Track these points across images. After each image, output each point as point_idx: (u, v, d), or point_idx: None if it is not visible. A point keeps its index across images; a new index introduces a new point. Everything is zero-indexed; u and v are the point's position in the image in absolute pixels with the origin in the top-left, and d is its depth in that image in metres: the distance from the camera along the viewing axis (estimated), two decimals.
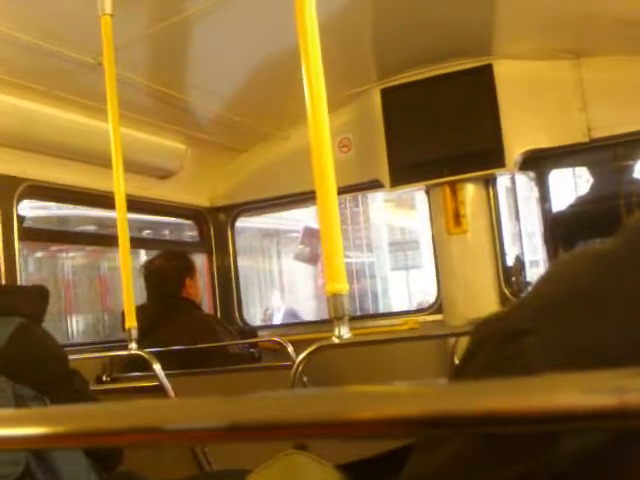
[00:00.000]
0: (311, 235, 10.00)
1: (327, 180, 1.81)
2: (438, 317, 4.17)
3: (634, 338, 0.55)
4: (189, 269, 3.90)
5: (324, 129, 1.83)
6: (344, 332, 1.83)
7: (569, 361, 0.56)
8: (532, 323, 0.61)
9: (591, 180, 4.28)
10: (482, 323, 0.67)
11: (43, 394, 1.97)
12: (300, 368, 2.03)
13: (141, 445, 0.52)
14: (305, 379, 2.15)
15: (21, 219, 3.31)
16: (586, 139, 3.80)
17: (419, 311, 4.50)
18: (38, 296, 2.30)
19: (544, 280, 0.69)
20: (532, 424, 0.41)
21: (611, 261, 0.63)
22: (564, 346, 0.57)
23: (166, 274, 3.85)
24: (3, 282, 3.11)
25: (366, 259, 12.07)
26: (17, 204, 3.29)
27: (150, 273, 3.87)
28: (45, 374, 2.11)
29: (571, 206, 4.26)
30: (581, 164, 4.01)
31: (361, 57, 3.86)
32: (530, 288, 0.69)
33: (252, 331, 4.68)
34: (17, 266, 3.20)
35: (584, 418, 0.39)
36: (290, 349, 3.38)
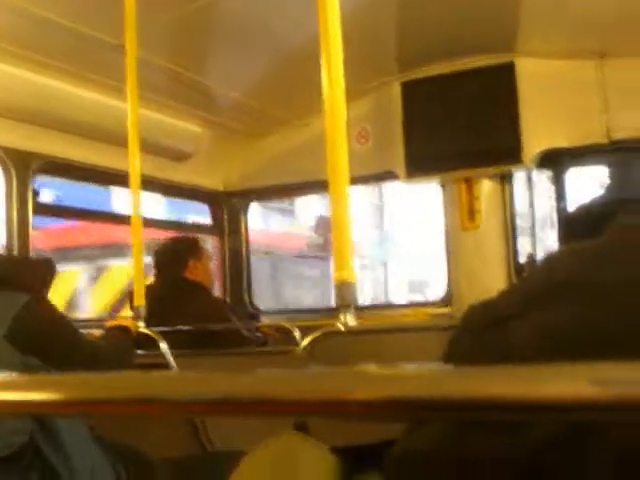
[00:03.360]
0: (325, 225, 10.04)
1: (340, 169, 1.81)
2: (448, 310, 4.17)
3: (611, 325, 0.56)
4: (193, 250, 3.91)
5: (340, 119, 1.83)
6: (350, 320, 1.84)
7: (551, 346, 0.57)
8: (517, 310, 0.63)
9: (608, 181, 4.25)
10: (471, 308, 0.69)
11: (49, 364, 2.00)
12: (305, 353, 2.04)
13: (139, 415, 0.53)
14: (311, 366, 2.15)
15: (36, 194, 3.33)
16: (605, 140, 3.78)
17: (428, 303, 4.51)
18: (45, 268, 2.32)
19: (532, 271, 0.72)
20: (518, 412, 0.42)
21: (592, 255, 0.65)
22: (547, 331, 0.59)
23: (169, 254, 3.89)
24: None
25: None
26: (32, 179, 3.31)
27: (155, 253, 3.92)
28: (53, 346, 2.14)
29: (587, 206, 4.22)
30: (599, 165, 3.98)
31: (383, 49, 3.85)
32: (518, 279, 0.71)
33: (257, 316, 4.69)
34: (30, 240, 3.23)
35: (567, 409, 0.39)
36: (297, 334, 3.39)
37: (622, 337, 0.55)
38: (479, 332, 0.66)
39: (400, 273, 17.77)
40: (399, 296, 16.48)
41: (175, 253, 3.89)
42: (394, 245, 17.88)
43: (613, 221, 0.69)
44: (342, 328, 1.85)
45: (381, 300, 16.68)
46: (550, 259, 0.73)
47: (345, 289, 1.82)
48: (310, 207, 13.64)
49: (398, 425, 0.69)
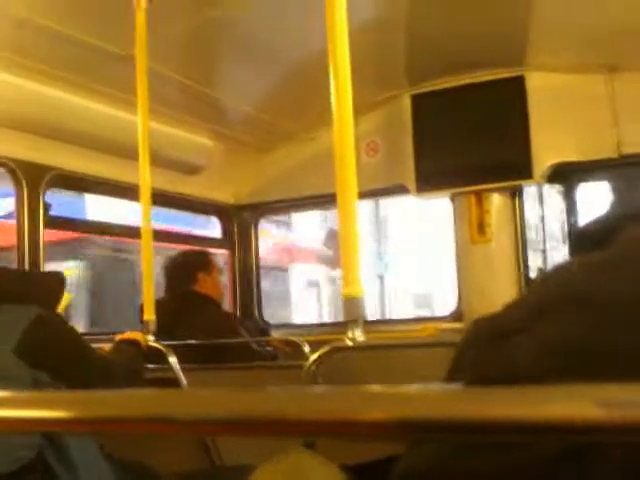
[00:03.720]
0: (334, 238, 10.07)
1: (349, 183, 1.81)
2: (458, 325, 4.15)
3: (620, 341, 0.56)
4: (203, 264, 3.92)
5: (348, 132, 1.83)
6: (358, 335, 1.83)
7: (557, 362, 0.57)
8: (523, 323, 0.62)
9: (618, 196, 4.24)
10: (475, 322, 0.68)
11: (60, 380, 2.00)
12: (313, 368, 2.04)
13: (150, 433, 0.53)
14: (320, 381, 2.15)
15: (47, 207, 3.34)
16: (615, 155, 3.77)
17: (438, 318, 4.49)
18: (55, 283, 2.32)
19: (538, 284, 0.71)
20: (524, 433, 0.42)
21: (601, 267, 0.64)
22: (553, 346, 0.58)
23: (179, 268, 3.89)
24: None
25: None
26: (44, 192, 3.33)
27: (166, 267, 3.93)
28: (63, 361, 2.14)
29: (597, 221, 4.21)
30: (610, 179, 3.97)
31: (393, 62, 3.86)
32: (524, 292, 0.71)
33: (266, 330, 4.69)
34: (41, 253, 3.24)
35: (570, 430, 0.39)
36: (307, 349, 3.38)
37: (631, 352, 0.54)
38: (483, 347, 0.65)
39: (403, 287, 17.58)
40: (402, 311, 16.32)
41: (185, 267, 3.90)
42: (393, 258, 17.69)
43: (623, 234, 0.69)
44: (350, 343, 1.85)
45: (379, 315, 16.49)
46: (557, 271, 0.73)
47: (353, 304, 1.81)
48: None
49: (404, 443, 0.69)
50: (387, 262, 17.32)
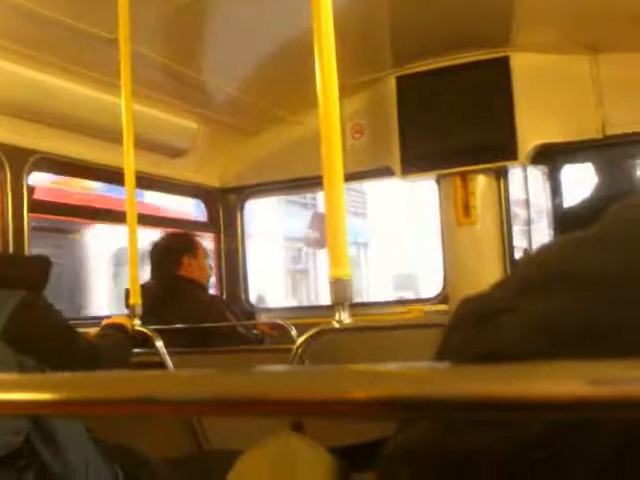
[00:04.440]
0: (321, 220, 10.03)
1: (335, 166, 1.81)
2: (443, 307, 4.17)
3: (605, 318, 0.56)
4: (188, 247, 3.91)
5: (334, 115, 1.82)
6: (345, 317, 1.84)
7: (544, 340, 0.57)
8: (509, 302, 0.62)
9: (603, 177, 4.26)
10: (462, 302, 0.69)
11: (46, 364, 1.99)
12: (300, 351, 2.05)
13: (136, 415, 0.53)
14: (307, 364, 2.16)
15: (31, 190, 3.32)
16: (600, 135, 3.78)
17: (424, 300, 4.50)
18: (41, 267, 2.31)
19: (524, 263, 0.71)
20: (509, 411, 0.42)
21: (584, 245, 0.65)
22: (539, 324, 0.58)
23: (163, 251, 3.88)
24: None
25: None
26: (27, 176, 3.30)
27: (150, 251, 3.91)
28: (49, 345, 2.13)
29: (582, 202, 4.24)
30: (594, 160, 3.99)
31: (377, 44, 3.84)
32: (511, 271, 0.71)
33: (253, 313, 4.69)
34: (26, 238, 3.22)
35: (559, 408, 0.39)
36: (293, 332, 3.39)
37: (617, 329, 0.55)
38: (471, 327, 0.65)
39: (382, 268, 17.44)
40: (383, 293, 16.19)
41: (169, 250, 3.88)
42: (373, 237, 17.56)
43: (606, 213, 0.69)
44: (337, 325, 1.85)
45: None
46: (542, 250, 0.73)
47: (340, 286, 1.82)
48: None
49: (392, 424, 0.69)
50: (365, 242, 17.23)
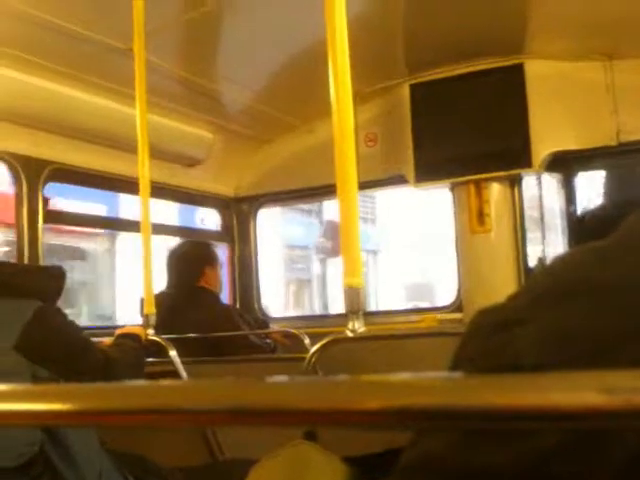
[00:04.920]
0: (334, 229, 10.02)
1: (348, 174, 1.81)
2: (458, 315, 4.15)
3: (621, 328, 0.56)
4: (210, 258, 3.91)
5: (348, 123, 1.82)
6: (358, 326, 1.83)
7: (560, 350, 0.57)
8: (524, 313, 0.62)
9: (618, 184, 4.23)
10: (478, 313, 0.68)
11: (60, 374, 2.00)
12: (313, 360, 2.04)
13: (150, 426, 0.53)
14: (320, 373, 2.15)
15: (46, 201, 3.34)
16: (614, 142, 3.76)
17: (438, 309, 4.48)
18: (55, 277, 2.32)
19: (539, 274, 0.71)
20: (523, 421, 0.42)
21: (601, 255, 0.64)
22: (554, 336, 0.58)
23: (186, 261, 3.86)
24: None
25: None
26: (43, 186, 3.32)
27: (171, 259, 3.89)
28: (64, 355, 2.13)
29: (597, 210, 4.20)
30: (609, 167, 3.96)
31: (391, 51, 3.85)
32: (526, 282, 0.71)
33: (266, 323, 4.68)
34: (40, 247, 3.24)
35: (573, 417, 0.39)
36: (307, 341, 3.38)
37: (632, 339, 0.54)
38: (486, 338, 0.65)
39: (393, 276, 17.27)
40: (395, 302, 16.02)
41: (192, 260, 3.86)
42: (383, 245, 17.43)
43: (623, 222, 0.68)
44: (351, 334, 1.85)
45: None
46: (559, 260, 0.73)
47: (353, 295, 1.81)
48: None
49: (407, 435, 0.68)
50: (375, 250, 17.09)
